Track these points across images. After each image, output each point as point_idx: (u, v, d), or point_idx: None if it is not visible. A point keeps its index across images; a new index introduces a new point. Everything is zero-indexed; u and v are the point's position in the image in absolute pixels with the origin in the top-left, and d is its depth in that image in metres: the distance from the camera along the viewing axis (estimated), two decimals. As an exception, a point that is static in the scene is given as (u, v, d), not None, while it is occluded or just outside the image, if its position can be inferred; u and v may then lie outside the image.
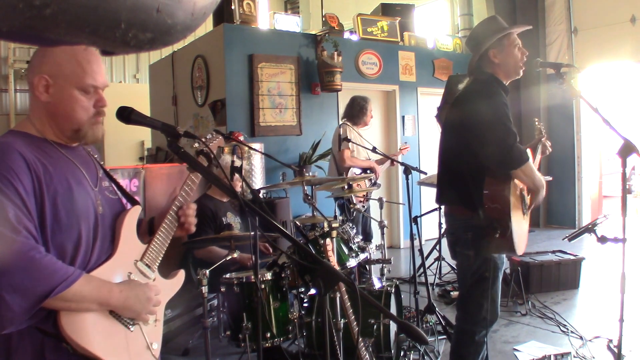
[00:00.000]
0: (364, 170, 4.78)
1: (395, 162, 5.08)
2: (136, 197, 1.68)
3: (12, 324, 1.21)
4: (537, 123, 2.94)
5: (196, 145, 1.53)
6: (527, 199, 2.50)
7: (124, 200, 1.61)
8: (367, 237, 4.71)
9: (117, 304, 1.36)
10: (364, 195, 4.66)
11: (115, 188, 1.59)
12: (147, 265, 1.49)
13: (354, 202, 4.52)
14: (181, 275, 1.65)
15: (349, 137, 4.54)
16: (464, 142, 2.38)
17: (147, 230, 1.63)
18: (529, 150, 2.59)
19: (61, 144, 1.43)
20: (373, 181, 4.81)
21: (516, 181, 2.34)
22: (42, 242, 1.28)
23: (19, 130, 1.39)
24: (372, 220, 4.68)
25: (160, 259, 1.53)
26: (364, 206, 4.65)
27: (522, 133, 7.59)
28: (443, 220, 2.83)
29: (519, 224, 2.37)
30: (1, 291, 1.18)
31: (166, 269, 1.61)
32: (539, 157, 2.81)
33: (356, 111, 4.83)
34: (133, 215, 1.52)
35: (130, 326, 1.41)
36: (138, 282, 1.45)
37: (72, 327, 1.28)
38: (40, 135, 1.39)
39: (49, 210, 1.30)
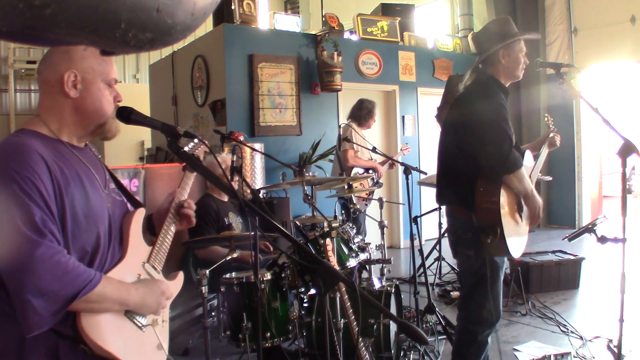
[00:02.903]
0: (366, 170, 4.82)
1: (394, 164, 5.15)
2: (136, 198, 1.69)
3: (39, 328, 1.20)
4: (546, 119, 2.96)
5: (186, 149, 1.53)
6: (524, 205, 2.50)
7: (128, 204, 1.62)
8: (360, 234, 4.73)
9: (135, 301, 1.37)
10: (367, 195, 4.71)
11: (119, 190, 1.59)
12: (153, 267, 1.51)
13: (354, 202, 4.53)
14: (181, 276, 1.66)
15: (349, 138, 4.57)
16: (462, 142, 2.38)
17: (145, 227, 1.63)
18: (528, 151, 2.59)
19: (73, 145, 1.42)
20: (375, 180, 4.85)
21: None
22: (64, 245, 1.28)
23: (32, 130, 1.36)
24: (367, 219, 4.71)
25: (164, 260, 1.55)
26: (366, 205, 4.70)
27: (523, 133, 7.65)
28: (443, 220, 2.84)
29: (514, 227, 2.37)
30: (28, 295, 1.17)
31: (166, 269, 1.63)
32: (546, 150, 2.81)
33: (364, 113, 4.94)
34: (139, 217, 1.53)
35: (142, 327, 1.43)
36: (149, 279, 1.48)
37: (93, 329, 1.28)
38: (53, 135, 1.37)
39: (69, 213, 1.29)
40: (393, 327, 2.97)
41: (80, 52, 1.39)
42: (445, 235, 3.31)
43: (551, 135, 2.85)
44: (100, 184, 1.45)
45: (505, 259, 2.55)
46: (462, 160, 2.39)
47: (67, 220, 1.29)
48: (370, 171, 4.83)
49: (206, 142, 1.60)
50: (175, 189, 1.62)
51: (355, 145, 4.64)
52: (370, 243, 3.28)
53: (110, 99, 1.44)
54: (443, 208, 2.97)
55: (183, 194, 1.61)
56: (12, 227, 1.18)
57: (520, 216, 2.45)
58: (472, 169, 2.33)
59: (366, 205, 4.73)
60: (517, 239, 2.41)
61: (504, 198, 2.29)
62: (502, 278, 2.51)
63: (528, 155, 2.56)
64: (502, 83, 2.46)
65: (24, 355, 1.26)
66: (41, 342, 1.27)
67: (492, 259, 2.39)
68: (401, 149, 5.50)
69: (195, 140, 1.62)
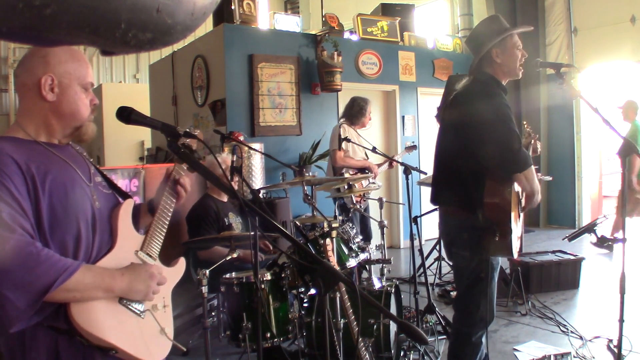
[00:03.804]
0: (362, 170, 4.75)
1: (393, 164, 5.07)
2: (136, 197, 1.71)
3: (19, 321, 1.23)
4: (525, 126, 2.97)
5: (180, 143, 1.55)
6: (522, 201, 2.51)
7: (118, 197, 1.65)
8: (367, 237, 4.67)
9: (122, 287, 1.38)
10: (361, 195, 4.63)
11: (106, 183, 1.61)
12: (147, 254, 1.52)
13: (354, 202, 4.51)
14: (182, 263, 1.68)
15: (347, 137, 4.53)
16: (464, 142, 2.37)
17: (147, 210, 1.66)
18: None
19: (52, 144, 1.45)
20: (371, 181, 4.78)
21: (515, 185, 2.34)
22: (42, 241, 1.30)
23: (7, 136, 1.41)
24: (371, 220, 4.65)
25: (160, 246, 1.56)
26: (360, 206, 4.61)
27: (522, 134, 7.63)
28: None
29: (515, 227, 2.37)
30: (3, 290, 1.20)
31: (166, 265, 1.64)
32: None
33: (355, 111, 4.81)
34: (127, 208, 1.55)
35: (140, 313, 1.44)
36: (138, 263, 1.48)
37: (84, 318, 1.30)
38: (29, 138, 1.41)
39: (46, 209, 1.32)
40: (393, 327, 2.97)
41: (57, 56, 1.42)
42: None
43: (532, 142, 2.86)
44: (82, 178, 1.47)
45: (499, 259, 2.54)
46: (465, 160, 2.37)
47: (43, 214, 1.32)
48: (367, 171, 4.77)
49: (206, 143, 1.61)
50: (171, 166, 1.63)
51: (347, 145, 4.57)
52: (370, 243, 3.28)
53: (86, 102, 1.47)
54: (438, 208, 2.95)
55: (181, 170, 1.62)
56: None
57: (519, 214, 2.45)
58: (476, 168, 2.32)
59: (360, 206, 4.57)
60: (516, 238, 2.41)
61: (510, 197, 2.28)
62: (496, 279, 2.51)
63: None
64: (501, 82, 2.45)
65: (26, 354, 1.30)
66: (41, 340, 1.30)
67: (488, 259, 2.39)
68: (406, 148, 5.33)
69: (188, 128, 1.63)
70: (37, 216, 1.31)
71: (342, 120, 4.91)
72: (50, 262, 1.26)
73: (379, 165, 4.93)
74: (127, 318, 1.40)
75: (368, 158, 4.86)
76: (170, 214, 1.59)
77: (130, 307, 1.41)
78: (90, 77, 1.49)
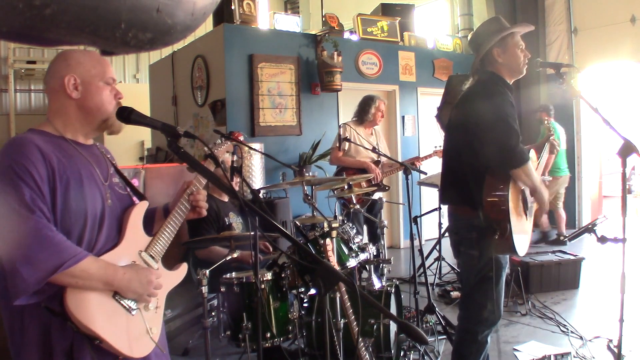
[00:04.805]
0: (362, 170, 4.65)
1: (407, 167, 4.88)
2: (141, 192, 1.77)
3: (24, 294, 1.32)
4: (546, 121, 2.95)
5: (205, 149, 1.67)
6: (531, 201, 2.50)
7: (134, 197, 1.72)
8: (375, 239, 4.56)
9: (120, 284, 1.45)
10: (360, 196, 4.55)
11: (124, 184, 1.69)
12: (151, 256, 1.59)
13: (354, 202, 4.46)
14: (184, 267, 1.73)
15: (347, 137, 4.51)
16: (466, 142, 2.38)
17: (162, 215, 1.75)
18: (532, 151, 2.59)
19: (77, 142, 1.56)
20: (373, 182, 4.70)
21: (518, 182, 2.34)
22: (52, 223, 1.39)
23: (38, 129, 1.53)
24: (380, 221, 4.56)
25: (165, 250, 1.62)
26: (351, 208, 4.45)
27: (522, 133, 7.60)
28: (443, 220, 2.84)
29: (520, 225, 2.37)
30: (17, 264, 1.30)
31: (167, 268, 1.67)
32: (546, 156, 2.80)
33: (358, 110, 4.80)
34: (140, 209, 1.63)
35: (132, 311, 1.50)
36: (141, 265, 1.55)
37: (76, 306, 1.37)
38: (58, 134, 1.53)
39: (60, 197, 1.42)
40: (393, 327, 2.97)
41: (76, 59, 1.55)
42: (446, 235, 3.30)
43: (551, 138, 2.85)
44: (99, 177, 1.57)
45: (507, 258, 2.55)
46: (466, 159, 2.38)
47: (57, 203, 1.41)
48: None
49: (213, 146, 1.67)
50: (191, 180, 1.72)
51: (348, 145, 4.55)
52: (369, 243, 3.27)
53: (110, 96, 1.58)
54: (444, 208, 2.96)
55: (199, 184, 1.73)
56: (6, 206, 1.34)
57: (525, 213, 2.45)
58: (478, 167, 2.33)
59: (354, 207, 4.46)
60: (523, 236, 2.41)
61: (510, 195, 2.29)
62: (504, 277, 2.50)
63: (532, 154, 2.56)
64: (506, 81, 2.45)
65: (24, 329, 1.41)
66: (36, 319, 1.39)
67: (496, 258, 2.39)
68: (435, 151, 4.88)
69: (218, 141, 1.75)
70: (51, 204, 1.40)
71: (354, 119, 4.87)
72: (62, 246, 1.35)
73: (385, 167, 4.79)
74: (117, 313, 1.46)
75: (378, 159, 4.75)
76: (181, 220, 1.65)
77: (122, 302, 1.47)
78: (111, 73, 1.59)
